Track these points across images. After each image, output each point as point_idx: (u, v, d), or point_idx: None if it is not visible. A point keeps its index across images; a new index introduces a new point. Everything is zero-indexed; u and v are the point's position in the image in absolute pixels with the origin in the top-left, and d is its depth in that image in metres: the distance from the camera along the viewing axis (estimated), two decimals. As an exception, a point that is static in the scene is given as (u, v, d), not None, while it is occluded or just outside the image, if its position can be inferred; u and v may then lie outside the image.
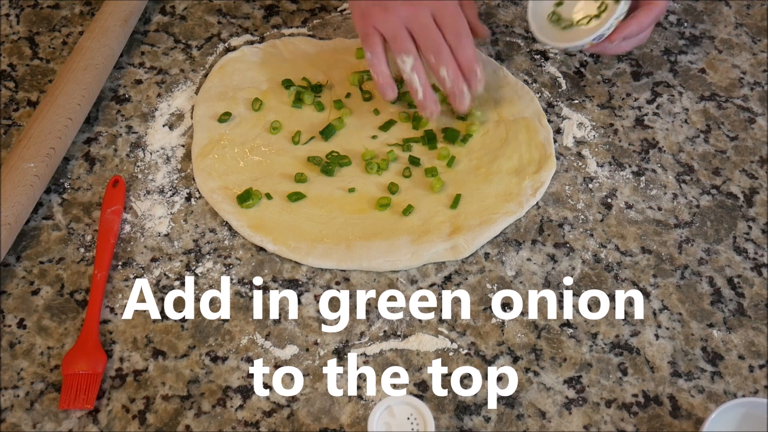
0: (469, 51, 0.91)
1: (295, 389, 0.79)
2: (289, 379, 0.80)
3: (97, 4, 1.04)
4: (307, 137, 0.94)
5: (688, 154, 0.94)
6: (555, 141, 0.95)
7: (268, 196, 0.89)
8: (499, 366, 0.81)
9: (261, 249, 0.87)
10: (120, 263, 0.86)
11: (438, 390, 0.79)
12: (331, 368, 0.80)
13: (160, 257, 0.86)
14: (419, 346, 0.82)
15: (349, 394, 0.79)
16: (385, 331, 0.82)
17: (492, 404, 0.79)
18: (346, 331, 0.82)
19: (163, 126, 0.96)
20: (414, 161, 0.92)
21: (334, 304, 0.84)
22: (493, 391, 0.79)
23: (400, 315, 0.83)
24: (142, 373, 0.80)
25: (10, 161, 0.86)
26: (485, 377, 0.80)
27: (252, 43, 1.03)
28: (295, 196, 0.89)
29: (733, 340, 0.83)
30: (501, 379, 0.80)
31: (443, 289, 0.85)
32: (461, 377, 0.80)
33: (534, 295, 0.85)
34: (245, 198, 0.88)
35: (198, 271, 0.86)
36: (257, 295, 0.84)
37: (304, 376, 0.80)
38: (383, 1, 0.90)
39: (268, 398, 0.79)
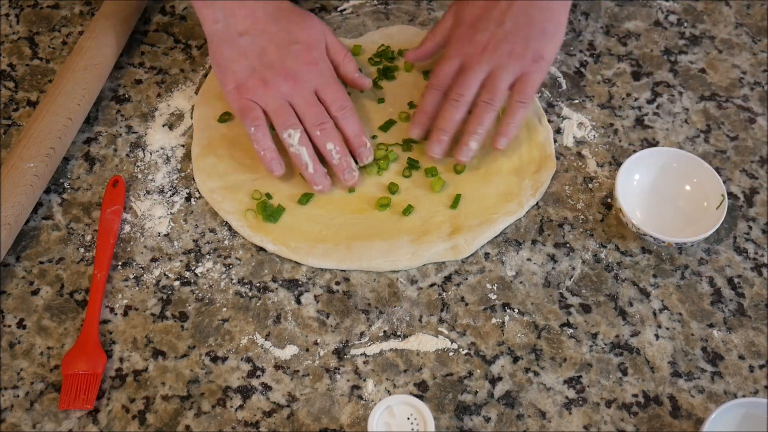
0: (354, 123, 0.89)
1: (295, 389, 0.79)
2: (289, 379, 0.80)
3: (97, 4, 1.04)
4: (307, 137, 0.94)
5: (688, 154, 0.95)
6: (555, 141, 0.95)
7: (269, 196, 0.89)
8: (499, 366, 0.81)
9: (261, 249, 0.87)
10: (120, 263, 0.86)
11: (438, 390, 0.79)
12: (331, 368, 0.80)
13: (160, 257, 0.86)
14: (419, 346, 0.82)
15: (349, 394, 0.79)
16: (385, 331, 0.82)
17: (492, 404, 0.79)
18: (346, 331, 0.82)
19: (163, 126, 0.96)
20: (413, 164, 0.92)
21: (334, 304, 0.84)
22: (493, 391, 0.79)
23: (400, 315, 0.83)
24: (142, 373, 0.80)
25: (10, 161, 0.86)
26: (485, 377, 0.80)
27: (252, 43, 1.03)
28: (305, 198, 0.89)
29: (733, 340, 0.83)
30: (501, 379, 0.80)
31: (443, 289, 0.85)
32: (461, 377, 0.80)
33: (534, 295, 0.85)
34: (272, 213, 0.88)
35: (198, 271, 0.86)
36: (257, 295, 0.84)
37: (304, 376, 0.80)
38: (261, 75, 0.87)
39: (268, 398, 0.79)
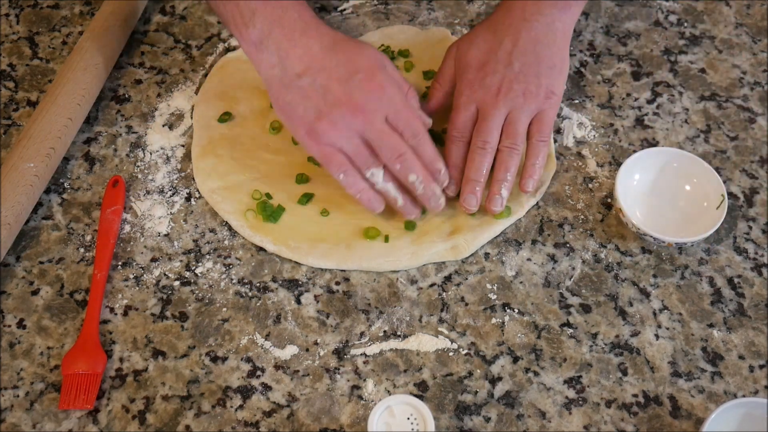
0: (429, 148, 0.85)
1: (295, 389, 0.79)
2: (289, 379, 0.80)
3: (97, 4, 1.04)
4: (307, 137, 0.94)
5: (688, 154, 0.94)
6: (555, 141, 0.95)
7: (269, 196, 0.89)
8: (499, 366, 0.81)
9: (261, 249, 0.87)
10: (120, 263, 0.86)
11: (438, 390, 0.79)
12: (331, 368, 0.80)
13: (160, 257, 0.86)
14: (419, 346, 0.82)
15: (349, 394, 0.79)
16: (385, 331, 0.82)
17: (492, 404, 0.79)
18: (346, 331, 0.82)
19: (163, 126, 0.96)
20: None
21: (334, 304, 0.84)
22: (493, 391, 0.79)
23: (400, 315, 0.83)
24: (142, 373, 0.80)
25: (10, 161, 0.86)
26: (485, 377, 0.80)
27: (252, 43, 1.02)
28: (305, 198, 0.89)
29: (733, 340, 0.83)
30: (501, 379, 0.80)
31: (443, 289, 0.85)
32: (461, 377, 0.80)
33: (534, 295, 0.85)
34: (272, 213, 0.87)
35: (198, 271, 0.86)
36: (257, 295, 0.84)
37: (304, 376, 0.80)
38: (329, 116, 0.82)
39: (268, 398, 0.79)
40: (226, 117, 0.95)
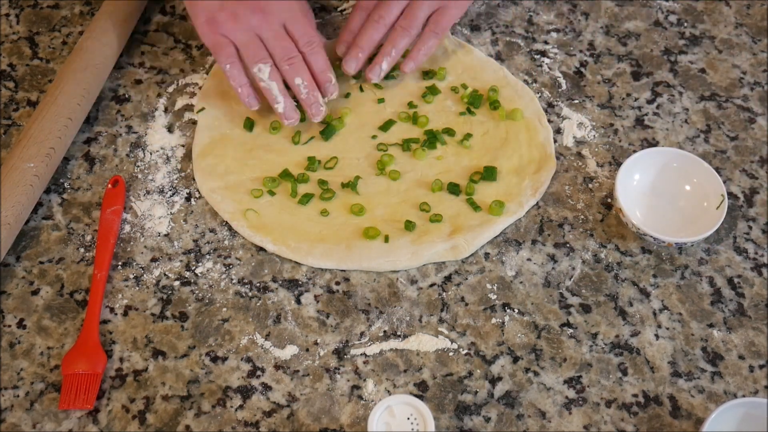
0: (321, 59, 0.91)
1: (295, 389, 0.79)
2: (289, 379, 0.80)
3: (97, 4, 1.04)
4: (307, 137, 0.94)
5: (688, 154, 0.94)
6: (555, 141, 0.95)
7: (271, 193, 0.89)
8: (499, 366, 0.81)
9: (261, 249, 0.87)
10: (120, 263, 0.86)
11: (438, 390, 0.79)
12: (331, 368, 0.80)
13: (160, 257, 0.86)
14: (419, 346, 0.82)
15: (349, 394, 0.79)
16: (385, 331, 0.82)
17: (492, 404, 0.79)
18: (346, 331, 0.82)
19: (163, 126, 0.95)
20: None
21: (334, 304, 0.84)
22: (493, 391, 0.79)
23: (400, 315, 0.83)
24: (142, 373, 0.80)
25: (10, 161, 0.86)
26: (485, 377, 0.80)
27: (252, 43, 1.03)
28: (306, 198, 0.89)
29: (733, 340, 0.83)
30: (501, 379, 0.80)
31: (443, 289, 0.85)
32: (461, 377, 0.80)
33: (534, 295, 0.85)
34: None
35: (198, 271, 0.86)
36: (257, 295, 0.84)
37: (304, 376, 0.80)
38: (232, 8, 0.88)
39: (268, 398, 0.79)
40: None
